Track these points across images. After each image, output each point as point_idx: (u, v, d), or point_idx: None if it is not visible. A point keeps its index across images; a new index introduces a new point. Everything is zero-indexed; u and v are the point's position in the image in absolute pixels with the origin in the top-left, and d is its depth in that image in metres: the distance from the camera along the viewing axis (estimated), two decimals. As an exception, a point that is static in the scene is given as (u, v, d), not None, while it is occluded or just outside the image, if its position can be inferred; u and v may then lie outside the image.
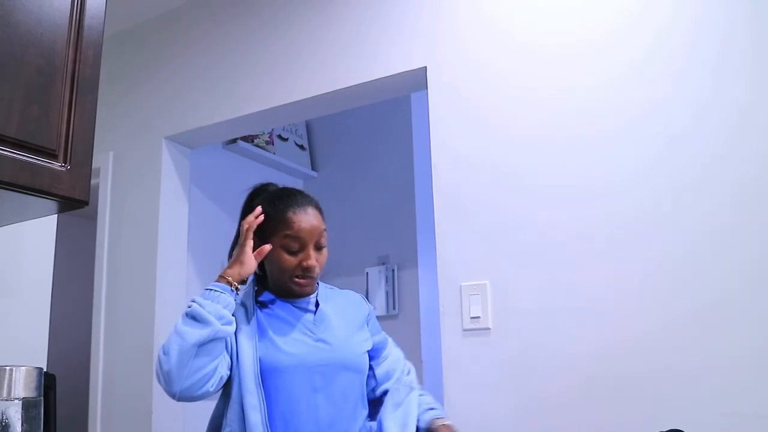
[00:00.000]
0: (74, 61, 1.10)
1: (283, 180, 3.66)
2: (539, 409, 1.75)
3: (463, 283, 1.92)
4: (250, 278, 1.53)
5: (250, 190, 1.62)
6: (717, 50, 1.68)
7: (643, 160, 1.73)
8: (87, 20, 1.13)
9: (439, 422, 1.47)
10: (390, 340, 1.65)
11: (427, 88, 2.10)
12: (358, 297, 1.64)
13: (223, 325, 1.32)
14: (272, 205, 1.48)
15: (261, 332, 1.43)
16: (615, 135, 1.78)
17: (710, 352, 1.57)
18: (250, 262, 1.40)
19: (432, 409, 1.53)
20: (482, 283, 1.89)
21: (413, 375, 1.62)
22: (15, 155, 1.00)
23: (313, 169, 3.78)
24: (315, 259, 1.45)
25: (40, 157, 1.04)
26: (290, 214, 1.45)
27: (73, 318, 3.51)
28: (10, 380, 0.91)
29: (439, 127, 2.05)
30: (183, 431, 2.60)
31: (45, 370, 1.01)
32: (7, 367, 0.92)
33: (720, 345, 1.56)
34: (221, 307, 1.33)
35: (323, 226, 1.48)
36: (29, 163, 1.02)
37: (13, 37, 1.01)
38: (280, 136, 3.61)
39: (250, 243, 1.41)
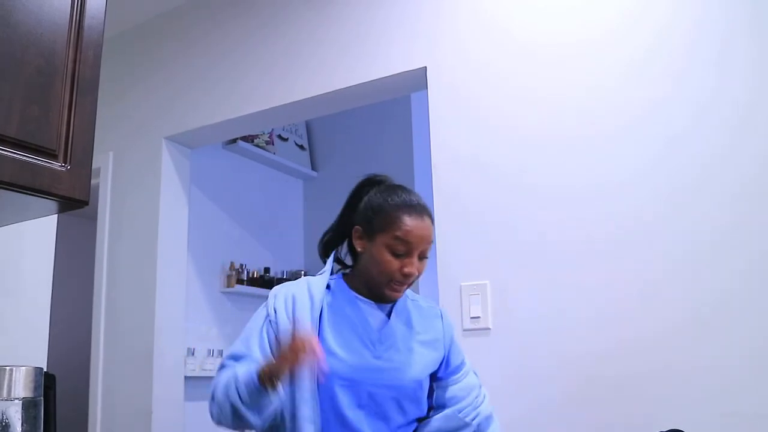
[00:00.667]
0: (74, 61, 1.10)
1: (283, 180, 3.68)
2: (539, 408, 1.75)
3: (463, 283, 1.92)
4: (329, 264, 1.47)
5: (361, 179, 1.53)
6: (717, 50, 1.68)
7: (643, 160, 1.73)
8: (87, 20, 1.13)
9: None
10: (467, 366, 1.52)
11: (427, 88, 2.10)
12: (436, 315, 1.52)
13: (262, 418, 1.27)
14: (387, 201, 1.41)
15: (321, 331, 1.36)
16: (615, 135, 1.78)
17: (710, 352, 1.57)
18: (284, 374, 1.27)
19: None
20: (482, 283, 1.89)
21: (484, 409, 1.46)
22: (15, 155, 1.00)
23: (313, 169, 3.78)
24: (416, 268, 1.37)
25: (40, 157, 1.04)
26: (406, 215, 1.37)
27: (73, 318, 3.52)
28: (10, 380, 0.91)
29: (439, 127, 2.05)
30: (183, 431, 2.60)
31: (45, 370, 1.01)
32: (7, 367, 0.92)
33: (720, 345, 1.57)
34: (264, 407, 1.26)
35: (433, 238, 1.41)
36: (29, 163, 1.02)
37: (13, 37, 1.01)
38: (280, 136, 3.61)
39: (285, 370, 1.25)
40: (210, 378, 1.52)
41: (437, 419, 1.42)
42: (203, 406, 1.54)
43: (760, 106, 1.61)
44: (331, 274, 1.48)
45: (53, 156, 1.06)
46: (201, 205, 3.09)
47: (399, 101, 3.30)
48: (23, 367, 0.93)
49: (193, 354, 2.95)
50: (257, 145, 3.42)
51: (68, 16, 1.10)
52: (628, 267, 1.70)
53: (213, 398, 1.30)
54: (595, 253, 1.75)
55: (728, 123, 1.64)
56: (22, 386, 0.92)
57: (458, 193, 1.98)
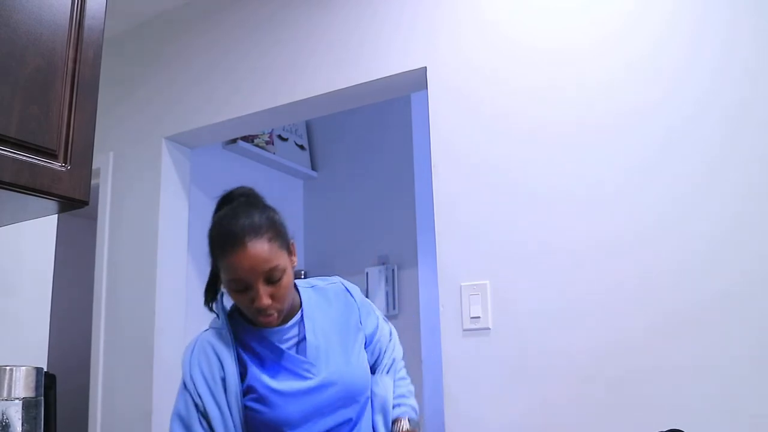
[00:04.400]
0: (74, 61, 1.10)
1: (283, 180, 3.67)
2: (539, 408, 1.75)
3: (463, 283, 1.92)
4: (220, 311, 1.39)
5: (218, 199, 1.46)
6: (718, 50, 1.68)
7: (644, 160, 1.73)
8: (87, 20, 1.13)
9: (399, 426, 1.41)
10: (380, 319, 1.55)
11: (427, 88, 2.10)
12: (339, 289, 1.49)
13: None
14: (212, 237, 1.34)
15: (253, 385, 1.30)
16: (615, 135, 1.78)
17: (710, 352, 1.57)
18: None
19: (399, 405, 1.46)
20: (482, 283, 1.89)
21: (396, 353, 1.55)
22: (15, 155, 1.00)
23: (313, 169, 3.78)
24: (268, 296, 1.25)
25: (40, 157, 1.04)
26: (228, 253, 1.26)
27: (73, 318, 3.51)
28: (10, 380, 0.91)
29: (439, 127, 2.05)
30: (183, 431, 2.60)
31: (45, 370, 1.01)
32: (7, 367, 0.92)
33: (720, 345, 1.56)
34: None
35: (272, 258, 1.25)
36: (29, 163, 1.02)
37: (13, 37, 1.01)
38: (280, 136, 3.61)
39: None
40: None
41: (383, 393, 1.44)
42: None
43: (761, 106, 1.61)
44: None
45: (53, 156, 1.06)
46: (201, 205, 3.08)
47: (399, 101, 3.30)
48: (23, 367, 0.93)
49: (193, 354, 2.94)
50: (257, 145, 3.42)
51: (68, 16, 1.11)
52: (628, 266, 1.70)
53: None
54: (595, 252, 1.75)
55: (728, 124, 1.64)
56: (22, 386, 0.92)
57: (458, 193, 1.98)
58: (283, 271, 1.28)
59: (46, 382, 0.99)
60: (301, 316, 1.39)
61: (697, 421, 1.52)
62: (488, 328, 1.87)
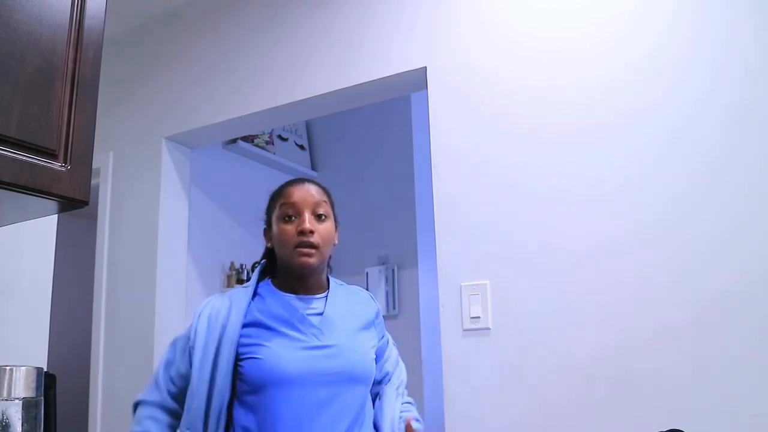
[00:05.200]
0: (74, 61, 1.10)
1: (283, 180, 3.67)
2: (539, 408, 1.75)
3: (463, 283, 1.92)
4: (254, 276, 1.51)
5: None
6: (719, 49, 1.68)
7: (644, 161, 1.73)
8: (87, 20, 1.13)
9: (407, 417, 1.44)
10: (390, 340, 1.60)
11: (427, 88, 2.10)
12: (366, 295, 1.59)
13: None
14: (273, 194, 1.52)
15: (258, 336, 1.37)
16: (615, 136, 1.78)
17: (710, 352, 1.57)
18: None
19: (408, 411, 1.49)
20: (482, 283, 1.89)
21: (403, 376, 1.58)
22: (15, 155, 1.00)
23: (313, 169, 3.78)
24: (313, 226, 1.41)
25: (40, 157, 1.04)
26: (287, 186, 1.49)
27: (73, 318, 3.51)
28: (10, 380, 0.91)
29: (439, 127, 2.05)
30: (183, 431, 2.60)
31: (45, 370, 1.01)
32: (7, 367, 0.92)
33: (720, 345, 1.57)
34: None
35: (323, 198, 1.46)
36: (29, 163, 1.02)
37: (13, 37, 1.01)
38: (280, 136, 3.61)
39: None
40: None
41: (381, 409, 1.47)
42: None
43: (761, 106, 1.61)
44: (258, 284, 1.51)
45: (53, 156, 1.06)
46: (201, 205, 3.08)
47: (399, 101, 3.30)
48: (23, 367, 0.93)
49: (193, 354, 2.94)
50: (257, 145, 3.42)
51: (68, 16, 1.10)
52: (628, 266, 1.70)
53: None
54: (595, 253, 1.75)
55: (728, 124, 1.64)
56: (22, 386, 0.92)
57: (458, 193, 1.98)
58: (328, 217, 1.46)
59: (46, 382, 0.99)
60: (327, 295, 1.49)
61: (697, 421, 1.52)
62: (488, 328, 1.87)
